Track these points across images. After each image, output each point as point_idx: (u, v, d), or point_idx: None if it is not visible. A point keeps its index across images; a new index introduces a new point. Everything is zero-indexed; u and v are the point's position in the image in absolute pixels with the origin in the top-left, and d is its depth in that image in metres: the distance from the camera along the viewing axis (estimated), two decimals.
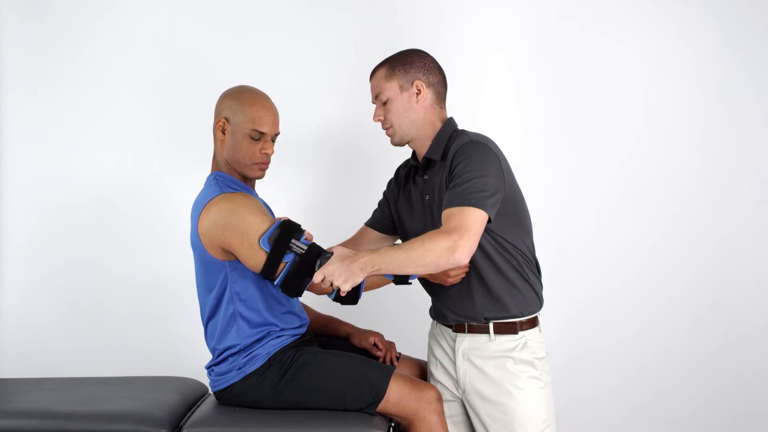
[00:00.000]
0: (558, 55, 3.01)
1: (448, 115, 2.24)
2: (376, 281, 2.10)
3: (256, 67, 3.01)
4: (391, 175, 2.42)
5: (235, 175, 2.17)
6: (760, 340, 3.00)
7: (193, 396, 2.30)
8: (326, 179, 3.09)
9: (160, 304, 3.08)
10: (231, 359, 2.11)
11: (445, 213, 2.00)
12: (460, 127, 2.22)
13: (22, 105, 3.09)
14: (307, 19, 3.06)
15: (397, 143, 2.22)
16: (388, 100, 2.17)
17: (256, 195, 2.20)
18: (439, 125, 2.19)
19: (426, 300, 2.35)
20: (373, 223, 2.40)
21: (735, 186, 3.00)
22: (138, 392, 2.24)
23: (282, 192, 2.91)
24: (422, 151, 2.20)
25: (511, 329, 2.13)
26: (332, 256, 1.97)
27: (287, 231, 1.99)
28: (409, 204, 2.27)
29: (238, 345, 2.10)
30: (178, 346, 3.03)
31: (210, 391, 2.34)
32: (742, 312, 3.01)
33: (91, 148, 3.09)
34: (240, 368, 2.10)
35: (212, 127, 2.20)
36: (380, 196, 2.43)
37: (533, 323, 2.17)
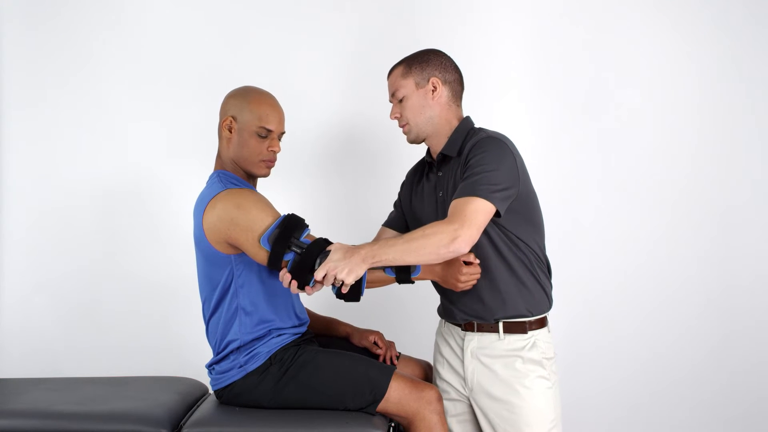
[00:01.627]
0: (564, 58, 3.02)
1: (464, 115, 2.24)
2: (380, 278, 2.10)
3: (257, 66, 3.01)
4: (397, 171, 2.42)
5: (239, 174, 2.18)
6: (762, 337, 3.00)
7: (193, 396, 2.30)
8: (329, 178, 3.08)
9: (161, 304, 3.08)
10: (232, 357, 2.11)
11: (452, 203, 2.01)
12: (477, 125, 2.22)
13: (23, 105, 3.09)
14: (311, 20, 3.06)
15: (413, 140, 2.22)
16: (404, 97, 2.18)
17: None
18: (455, 123, 2.19)
19: (427, 300, 2.35)
20: (390, 222, 2.40)
21: (735, 183, 3.00)
22: (138, 392, 2.24)
23: (285, 191, 2.90)
24: (437, 148, 2.20)
25: (521, 329, 2.13)
26: (332, 251, 1.96)
27: (287, 230, 1.99)
28: (422, 200, 2.27)
29: (238, 340, 2.10)
30: (178, 345, 3.03)
31: (210, 391, 2.34)
32: (744, 309, 3.01)
33: (92, 148, 3.09)
34: (241, 366, 2.10)
35: (217, 127, 2.21)
36: (386, 194, 2.43)
37: (542, 323, 2.17)
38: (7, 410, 2.12)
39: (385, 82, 2.26)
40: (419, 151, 2.41)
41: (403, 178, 2.42)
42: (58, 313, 3.10)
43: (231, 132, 2.15)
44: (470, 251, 2.09)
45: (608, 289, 3.03)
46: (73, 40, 3.08)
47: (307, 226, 2.03)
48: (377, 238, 2.38)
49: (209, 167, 2.29)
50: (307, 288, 1.96)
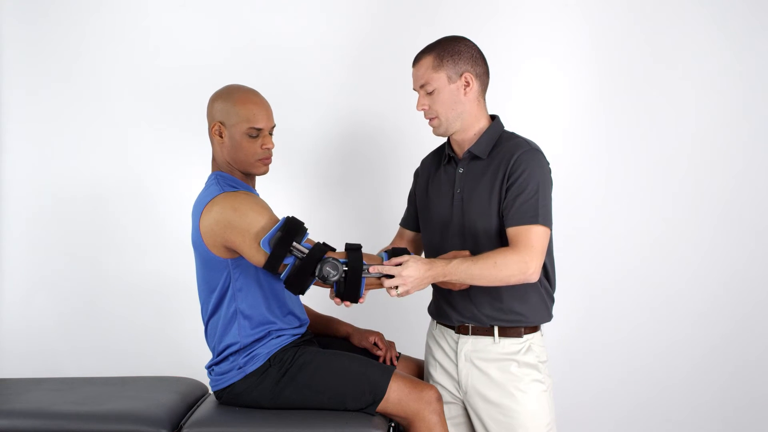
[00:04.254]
0: (570, 56, 3.01)
1: (497, 106, 2.21)
2: (372, 282, 2.08)
3: (257, 65, 3.00)
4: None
5: (236, 175, 2.17)
6: (761, 339, 3.00)
7: (193, 396, 2.30)
8: (327, 178, 3.08)
9: (161, 305, 3.08)
10: (231, 358, 2.11)
11: (514, 230, 2.03)
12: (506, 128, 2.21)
13: (22, 105, 3.09)
14: (312, 18, 3.05)
15: (442, 134, 2.18)
16: (434, 90, 2.11)
17: (257, 194, 2.20)
18: (484, 121, 2.16)
19: (427, 300, 2.34)
20: (406, 222, 2.40)
21: (733, 184, 3.00)
22: (138, 392, 2.25)
23: (282, 191, 2.90)
24: (463, 144, 2.17)
25: (516, 333, 2.13)
26: (409, 263, 1.97)
27: (288, 234, 1.98)
28: (437, 191, 2.24)
29: (238, 343, 2.10)
30: (178, 346, 3.03)
31: (210, 391, 2.34)
32: (741, 312, 3.01)
33: (91, 148, 3.09)
34: (240, 368, 2.10)
35: (207, 132, 2.20)
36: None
37: (536, 327, 2.17)
38: (7, 410, 2.12)
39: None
40: (420, 153, 2.39)
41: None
42: (58, 313, 3.10)
43: (222, 137, 2.14)
44: (469, 251, 2.10)
45: (606, 292, 3.03)
46: (74, 41, 3.08)
47: (307, 230, 2.03)
48: (397, 238, 2.40)
49: (207, 166, 2.28)
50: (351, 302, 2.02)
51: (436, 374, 2.24)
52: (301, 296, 2.20)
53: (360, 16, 3.03)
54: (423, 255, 2.35)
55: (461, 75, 2.11)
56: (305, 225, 2.03)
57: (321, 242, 2.01)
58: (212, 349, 2.18)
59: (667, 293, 3.01)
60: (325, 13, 3.04)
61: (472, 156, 2.15)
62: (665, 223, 3.01)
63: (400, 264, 1.99)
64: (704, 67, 2.99)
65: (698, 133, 3.00)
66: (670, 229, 3.01)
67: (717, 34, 2.98)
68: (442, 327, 2.25)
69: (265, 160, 2.17)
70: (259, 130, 2.13)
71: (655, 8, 2.99)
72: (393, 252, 2.07)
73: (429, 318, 2.37)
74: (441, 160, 2.26)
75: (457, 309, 2.17)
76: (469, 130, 2.15)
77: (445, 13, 3.00)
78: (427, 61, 2.12)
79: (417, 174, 2.37)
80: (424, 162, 2.36)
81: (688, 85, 2.99)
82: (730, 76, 2.98)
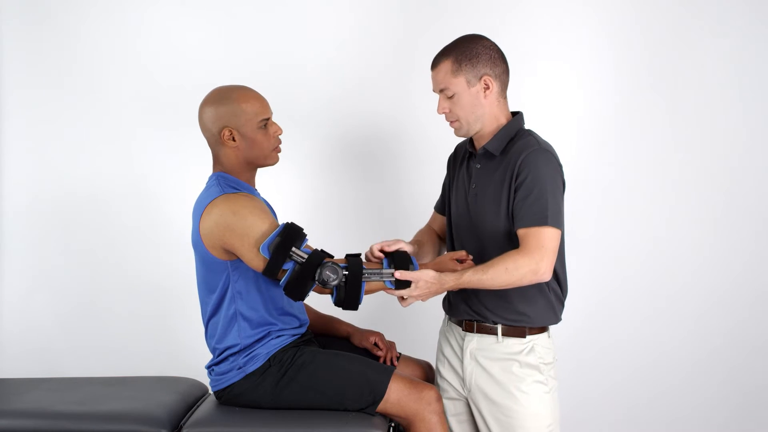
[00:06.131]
0: (578, 58, 3.01)
1: (509, 104, 2.20)
2: (377, 287, 2.08)
3: (254, 63, 3.00)
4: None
5: (241, 177, 2.16)
6: (761, 339, 3.00)
7: (193, 396, 2.30)
8: (329, 177, 3.08)
9: (160, 304, 3.08)
10: (231, 359, 2.11)
11: (523, 231, 2.03)
12: (526, 126, 2.20)
13: (23, 105, 3.09)
14: (318, 18, 3.05)
15: (463, 135, 2.19)
16: (455, 95, 2.12)
17: (259, 195, 2.20)
18: (503, 120, 2.16)
19: (428, 300, 2.34)
20: (439, 206, 2.43)
21: (735, 183, 3.00)
22: (138, 392, 2.25)
23: (283, 191, 2.90)
24: (481, 141, 2.18)
25: (520, 332, 2.13)
26: (421, 281, 1.99)
27: (288, 239, 1.98)
28: (456, 187, 2.26)
29: (238, 345, 2.10)
30: (178, 346, 3.03)
31: (210, 391, 2.34)
32: (742, 312, 3.01)
33: (91, 148, 3.09)
34: (240, 368, 2.10)
35: (211, 141, 2.15)
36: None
37: (542, 328, 2.17)
38: (7, 410, 2.12)
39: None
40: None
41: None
42: (58, 312, 3.11)
43: (235, 140, 2.13)
44: (465, 251, 2.12)
45: (610, 292, 3.03)
46: (75, 41, 3.07)
47: (306, 235, 2.03)
48: (430, 223, 2.42)
49: (209, 166, 2.27)
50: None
51: (444, 370, 2.26)
52: None
53: (381, 16, 3.00)
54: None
55: (480, 78, 2.11)
56: (304, 231, 2.03)
57: (319, 249, 2.02)
58: (212, 350, 2.18)
59: (669, 295, 3.01)
60: (335, 13, 3.03)
61: (486, 153, 2.16)
62: (672, 224, 3.00)
63: (409, 281, 2.01)
64: (706, 70, 2.98)
65: (705, 135, 2.99)
66: (675, 231, 3.01)
67: (721, 42, 2.97)
68: (452, 324, 2.26)
69: (278, 148, 2.18)
70: (267, 119, 2.14)
71: (667, 10, 2.98)
72: (394, 256, 2.06)
73: (431, 318, 2.38)
74: (464, 156, 2.28)
75: (467, 303, 2.18)
76: (488, 129, 2.16)
77: (450, 14, 3.00)
78: (446, 65, 2.12)
79: (450, 161, 2.38)
80: (456, 148, 2.37)
81: (691, 86, 2.99)
82: (733, 80, 2.97)
